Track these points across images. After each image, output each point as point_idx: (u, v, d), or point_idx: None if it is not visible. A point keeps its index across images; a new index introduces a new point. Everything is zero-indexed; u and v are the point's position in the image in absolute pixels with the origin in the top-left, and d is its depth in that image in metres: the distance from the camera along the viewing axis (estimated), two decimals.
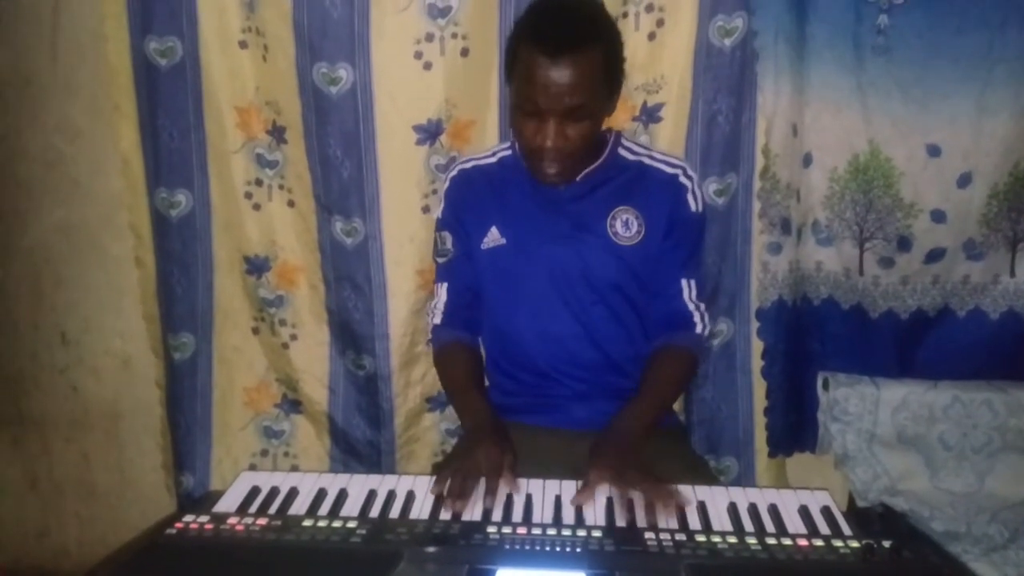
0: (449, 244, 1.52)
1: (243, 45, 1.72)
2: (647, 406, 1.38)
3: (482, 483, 1.15)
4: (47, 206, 1.97)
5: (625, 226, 1.43)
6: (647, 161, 1.47)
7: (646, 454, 1.25)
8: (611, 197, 1.44)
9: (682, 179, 1.45)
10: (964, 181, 1.66)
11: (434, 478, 1.18)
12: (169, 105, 1.75)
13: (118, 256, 1.94)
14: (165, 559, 0.97)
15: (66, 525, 2.22)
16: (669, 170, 1.46)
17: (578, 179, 1.43)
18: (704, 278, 1.61)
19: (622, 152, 1.48)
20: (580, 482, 1.17)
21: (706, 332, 1.50)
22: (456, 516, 1.09)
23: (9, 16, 1.85)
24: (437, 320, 1.54)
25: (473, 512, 1.10)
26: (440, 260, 1.55)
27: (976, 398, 1.70)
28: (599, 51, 1.27)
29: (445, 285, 1.54)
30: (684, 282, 1.47)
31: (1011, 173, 1.65)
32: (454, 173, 1.55)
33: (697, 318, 1.47)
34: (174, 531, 1.01)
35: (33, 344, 2.07)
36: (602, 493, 1.15)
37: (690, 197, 1.46)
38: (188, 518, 1.04)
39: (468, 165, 1.55)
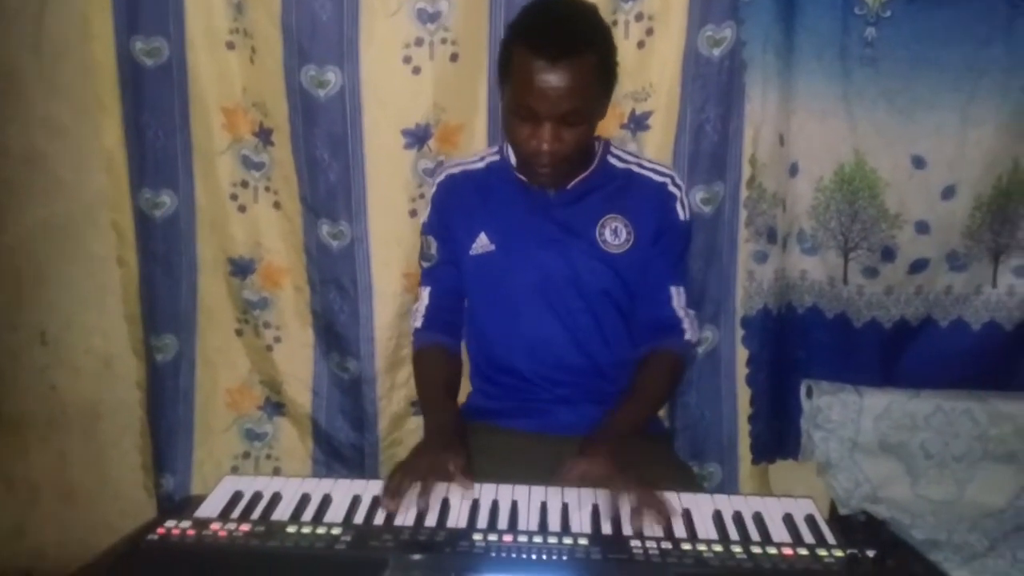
0: (434, 249, 1.52)
1: (231, 46, 1.70)
2: (634, 410, 1.39)
3: (417, 486, 1.14)
4: (29, 204, 1.93)
5: (614, 234, 1.43)
6: (636, 169, 1.48)
7: (632, 458, 1.25)
8: (600, 205, 1.44)
9: (671, 188, 1.46)
10: (948, 193, 1.68)
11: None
12: (155, 104, 1.73)
13: (101, 255, 1.91)
14: (147, 565, 0.96)
15: (43, 526, 2.18)
16: (658, 178, 1.47)
17: (568, 186, 1.43)
18: (690, 285, 1.62)
19: (611, 160, 1.48)
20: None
21: (694, 338, 1.50)
22: (440, 523, 1.08)
23: None
24: (418, 323, 1.54)
25: (407, 516, 1.10)
26: (425, 264, 1.55)
27: (958, 407, 1.72)
28: (595, 56, 1.27)
29: (428, 289, 1.54)
30: (673, 289, 1.47)
31: (995, 185, 1.67)
32: (442, 178, 1.54)
33: (686, 324, 1.48)
34: (156, 537, 1.00)
35: (12, 343, 2.04)
36: (589, 500, 1.14)
37: (678, 205, 1.46)
38: (170, 523, 1.02)
39: (456, 170, 1.53)
